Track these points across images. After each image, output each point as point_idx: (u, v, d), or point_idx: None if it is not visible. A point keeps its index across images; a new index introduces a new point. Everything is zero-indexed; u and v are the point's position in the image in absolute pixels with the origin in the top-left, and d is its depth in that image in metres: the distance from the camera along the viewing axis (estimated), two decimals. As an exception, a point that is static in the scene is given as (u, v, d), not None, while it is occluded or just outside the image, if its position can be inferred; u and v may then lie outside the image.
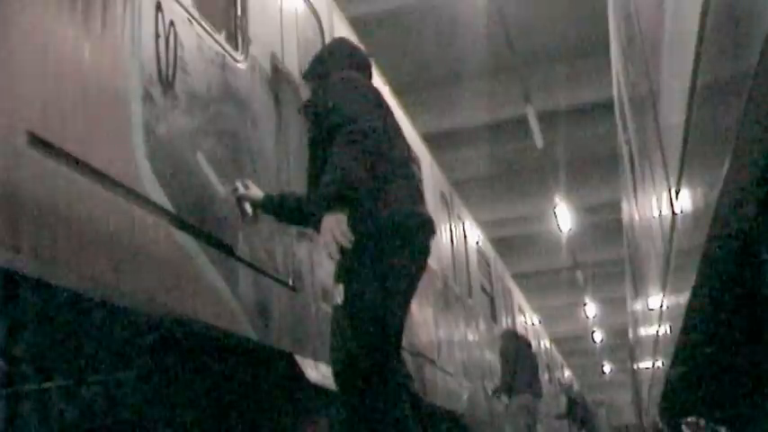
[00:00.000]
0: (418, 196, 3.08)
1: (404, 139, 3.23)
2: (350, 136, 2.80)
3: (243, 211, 3.43)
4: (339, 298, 2.88)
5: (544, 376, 16.01)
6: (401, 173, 3.03)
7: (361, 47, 3.60)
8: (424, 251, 3.06)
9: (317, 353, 4.00)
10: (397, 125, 3.21)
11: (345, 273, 2.88)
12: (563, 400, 18.19)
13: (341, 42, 3.54)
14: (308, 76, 3.42)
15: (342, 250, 2.75)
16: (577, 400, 18.72)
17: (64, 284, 2.26)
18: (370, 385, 2.81)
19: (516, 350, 8.68)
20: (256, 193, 3.43)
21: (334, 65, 3.28)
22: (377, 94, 3.14)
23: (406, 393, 2.90)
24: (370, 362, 2.81)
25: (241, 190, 3.39)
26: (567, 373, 26.70)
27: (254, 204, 3.45)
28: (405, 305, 3.00)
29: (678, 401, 5.56)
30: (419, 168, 3.29)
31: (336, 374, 2.89)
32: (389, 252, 2.89)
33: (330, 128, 2.91)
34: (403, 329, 3.02)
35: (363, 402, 2.83)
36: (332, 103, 2.96)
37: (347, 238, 2.72)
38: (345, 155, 2.77)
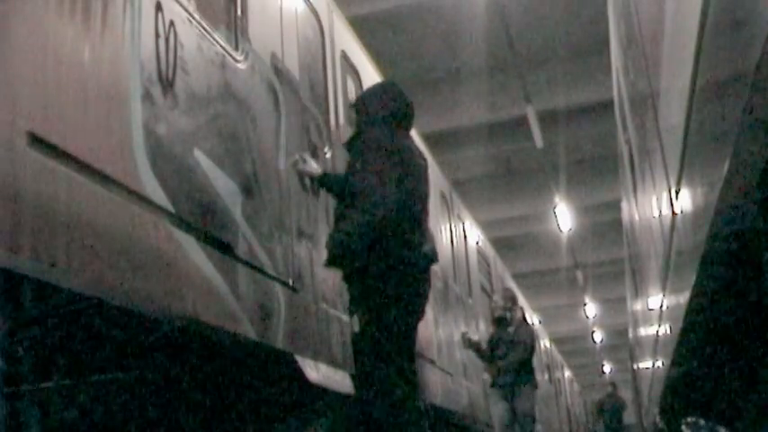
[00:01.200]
0: (420, 238, 3.55)
1: (422, 181, 3.68)
2: (364, 206, 3.35)
3: (303, 184, 3.93)
4: (356, 327, 3.42)
5: (544, 375, 16.00)
6: (407, 223, 3.49)
7: (406, 96, 3.85)
8: (422, 283, 3.59)
9: (317, 353, 4.00)
10: (417, 173, 3.62)
11: (359, 305, 3.45)
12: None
13: (387, 90, 3.85)
14: (356, 107, 3.85)
15: (354, 283, 3.45)
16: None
17: (64, 284, 2.26)
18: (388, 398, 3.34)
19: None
20: (314, 167, 3.92)
21: (375, 113, 3.70)
22: (401, 152, 3.54)
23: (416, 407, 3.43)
24: (386, 373, 3.36)
25: (300, 164, 3.88)
26: (567, 373, 26.69)
27: (312, 178, 3.93)
28: (413, 327, 3.57)
29: (678, 401, 5.56)
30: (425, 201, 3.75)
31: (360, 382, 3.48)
32: (398, 286, 3.43)
33: (351, 188, 3.47)
34: (414, 345, 3.58)
35: (380, 410, 3.35)
36: (359, 164, 3.48)
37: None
38: (355, 223, 3.35)
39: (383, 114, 3.68)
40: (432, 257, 3.62)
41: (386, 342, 3.38)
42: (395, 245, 3.42)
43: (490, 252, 12.02)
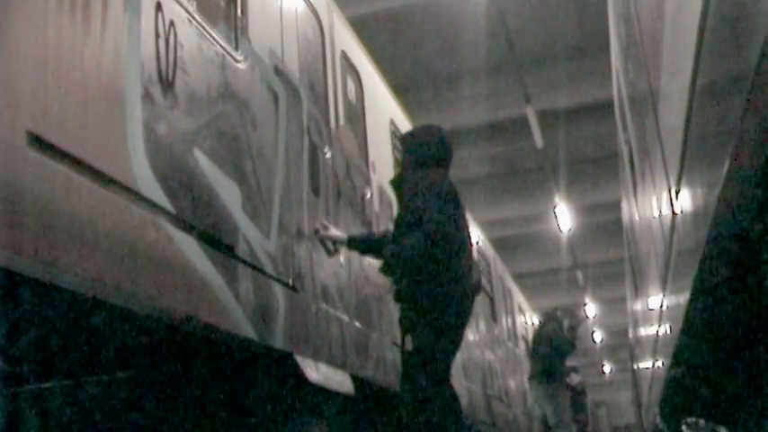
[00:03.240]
0: (468, 270, 3.98)
1: (466, 221, 4.16)
2: (427, 229, 3.74)
3: (326, 248, 4.34)
4: (409, 345, 3.84)
5: None
6: (459, 253, 3.90)
7: (448, 139, 4.32)
8: (469, 311, 4.05)
9: (317, 353, 4.00)
10: (463, 213, 4.10)
11: (412, 326, 3.86)
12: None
13: (432, 136, 4.27)
14: (401, 144, 4.34)
15: (410, 306, 3.87)
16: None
17: (64, 284, 2.26)
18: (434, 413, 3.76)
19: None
20: (335, 233, 4.41)
21: (421, 158, 4.15)
22: (450, 190, 3.96)
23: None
24: (435, 390, 3.77)
25: (322, 231, 4.29)
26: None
27: (334, 241, 4.41)
28: (455, 350, 4.00)
29: (678, 401, 5.56)
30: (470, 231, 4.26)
31: (406, 405, 3.82)
32: (446, 313, 3.84)
33: (414, 214, 3.86)
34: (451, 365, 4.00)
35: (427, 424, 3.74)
36: (419, 200, 3.86)
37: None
38: (418, 243, 3.75)
39: (433, 157, 4.15)
40: (479, 288, 4.14)
41: (437, 363, 3.82)
42: (450, 273, 3.83)
43: (490, 252, 12.02)
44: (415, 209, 3.86)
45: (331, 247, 4.40)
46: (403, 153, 4.30)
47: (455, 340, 3.95)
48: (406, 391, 3.88)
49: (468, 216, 9.92)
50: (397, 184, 4.22)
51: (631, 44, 3.68)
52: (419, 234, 3.75)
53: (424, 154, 4.15)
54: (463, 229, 4.03)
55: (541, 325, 8.90)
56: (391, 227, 4.83)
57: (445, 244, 3.76)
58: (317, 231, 4.25)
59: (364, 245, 4.41)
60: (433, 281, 3.81)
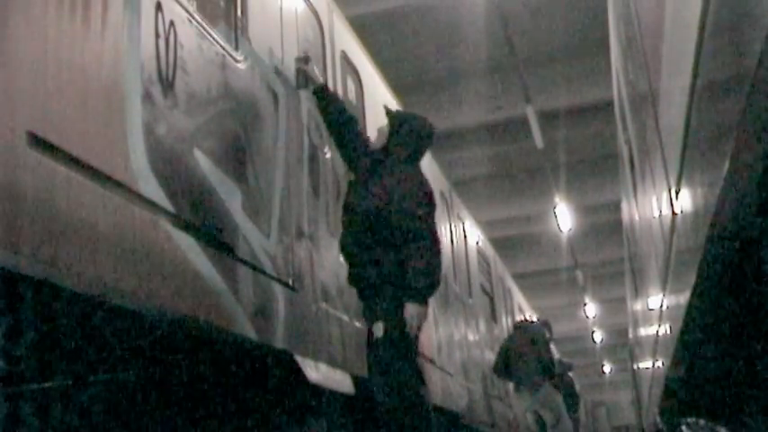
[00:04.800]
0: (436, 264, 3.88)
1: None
2: (421, 246, 3.74)
3: (298, 82, 4.15)
4: (379, 333, 3.75)
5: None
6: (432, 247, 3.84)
7: (426, 120, 4.19)
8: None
9: (316, 353, 4.00)
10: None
11: (386, 316, 3.76)
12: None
13: (425, 128, 4.16)
14: (391, 126, 4.13)
15: (381, 298, 3.79)
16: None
17: (64, 284, 2.26)
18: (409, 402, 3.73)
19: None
20: (316, 74, 4.22)
21: (413, 152, 4.06)
22: (428, 187, 3.97)
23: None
24: (406, 376, 3.76)
25: (303, 64, 4.18)
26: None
27: (311, 83, 4.18)
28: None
29: (678, 401, 5.56)
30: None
31: (380, 391, 3.75)
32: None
33: (397, 220, 3.79)
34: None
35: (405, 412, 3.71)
36: (397, 197, 3.81)
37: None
38: (427, 264, 3.75)
39: (415, 148, 4.07)
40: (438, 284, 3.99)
41: (406, 347, 3.81)
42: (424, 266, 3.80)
43: (490, 252, 12.02)
44: (396, 216, 3.79)
45: (302, 82, 4.20)
46: (392, 136, 4.07)
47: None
48: (373, 378, 3.83)
49: (467, 216, 9.90)
50: (375, 157, 4.05)
51: (631, 44, 3.68)
52: (419, 253, 3.75)
53: (416, 149, 4.08)
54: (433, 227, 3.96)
55: (525, 332, 8.79)
56: None
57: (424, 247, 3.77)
58: (298, 60, 4.20)
59: (333, 111, 4.15)
60: (414, 278, 3.78)
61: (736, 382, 3.58)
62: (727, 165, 1.47)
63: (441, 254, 3.89)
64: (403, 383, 3.74)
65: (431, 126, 4.20)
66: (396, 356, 3.74)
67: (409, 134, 4.09)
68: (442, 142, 11.45)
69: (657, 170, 3.01)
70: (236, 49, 3.60)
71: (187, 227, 2.90)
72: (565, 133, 12.22)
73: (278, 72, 4.05)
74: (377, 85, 6.27)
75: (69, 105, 2.32)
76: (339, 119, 4.14)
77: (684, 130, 1.98)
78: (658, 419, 8.30)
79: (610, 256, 18.23)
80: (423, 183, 3.98)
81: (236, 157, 3.43)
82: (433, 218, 3.93)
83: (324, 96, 4.16)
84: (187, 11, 3.14)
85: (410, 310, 3.73)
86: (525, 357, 8.35)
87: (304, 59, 4.21)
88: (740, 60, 1.28)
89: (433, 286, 3.83)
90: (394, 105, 6.78)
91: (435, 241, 3.86)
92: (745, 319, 2.58)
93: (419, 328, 3.81)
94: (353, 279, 3.94)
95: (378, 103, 6.17)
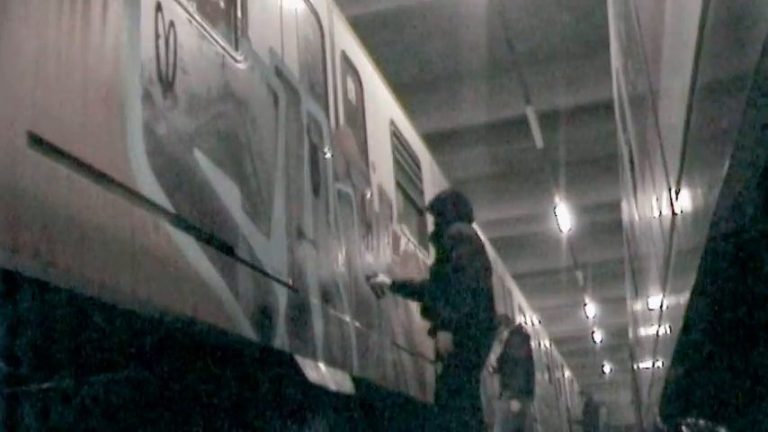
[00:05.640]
0: (491, 306, 4.99)
1: (489, 263, 5.18)
2: (461, 283, 4.78)
3: (375, 293, 5.18)
4: (440, 370, 4.89)
5: (542, 375, 16.02)
6: (482, 291, 4.89)
7: (465, 197, 5.48)
8: (489, 344, 5.08)
9: (316, 353, 4.00)
10: (487, 256, 5.18)
11: (445, 354, 4.78)
12: (580, 402, 18.28)
13: (455, 197, 5.44)
14: (430, 210, 5.50)
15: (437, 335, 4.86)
16: (592, 401, 18.91)
17: (64, 284, 2.26)
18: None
19: (525, 351, 8.87)
20: (382, 279, 5.24)
21: (450, 215, 5.20)
22: (476, 238, 5.06)
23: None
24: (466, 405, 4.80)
25: (372, 279, 5.15)
26: (567, 373, 26.68)
27: (383, 288, 5.23)
28: (479, 372, 5.04)
29: (678, 401, 5.56)
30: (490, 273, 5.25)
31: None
32: (470, 343, 4.82)
33: (451, 265, 4.87)
34: (479, 387, 5.04)
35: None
36: (450, 249, 4.91)
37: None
38: (458, 300, 4.75)
39: (459, 214, 5.19)
40: (496, 325, 5.18)
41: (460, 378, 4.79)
42: (473, 318, 4.77)
43: (490, 252, 12.01)
44: (457, 259, 4.82)
45: (379, 291, 5.23)
46: (434, 217, 5.33)
47: (477, 362, 4.95)
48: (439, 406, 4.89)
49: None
50: (433, 238, 5.29)
51: (631, 44, 3.68)
52: (456, 290, 4.75)
53: (449, 211, 5.18)
54: (487, 270, 5.05)
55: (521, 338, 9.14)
56: (391, 231, 5.66)
57: (474, 297, 4.75)
58: (367, 278, 5.13)
59: (406, 290, 5.35)
60: (467, 323, 4.77)
61: (736, 382, 3.57)
62: (727, 165, 1.47)
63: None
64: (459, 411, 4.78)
65: (458, 192, 5.51)
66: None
67: (440, 205, 5.37)
68: (442, 142, 11.45)
69: (657, 170, 3.01)
70: (236, 49, 3.59)
71: (187, 227, 2.90)
72: (565, 133, 12.22)
73: (278, 72, 4.05)
74: (377, 85, 6.27)
75: (69, 105, 2.32)
76: (414, 290, 5.34)
77: (684, 130, 1.98)
78: (658, 419, 8.30)
79: (610, 256, 18.23)
80: (463, 232, 5.12)
81: (236, 157, 3.43)
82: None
83: (398, 289, 5.33)
84: (187, 11, 3.14)
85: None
86: (519, 364, 8.53)
87: (372, 276, 5.19)
88: (740, 60, 1.28)
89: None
90: (394, 105, 6.78)
91: None
92: (745, 319, 2.58)
93: None
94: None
95: (378, 103, 6.17)
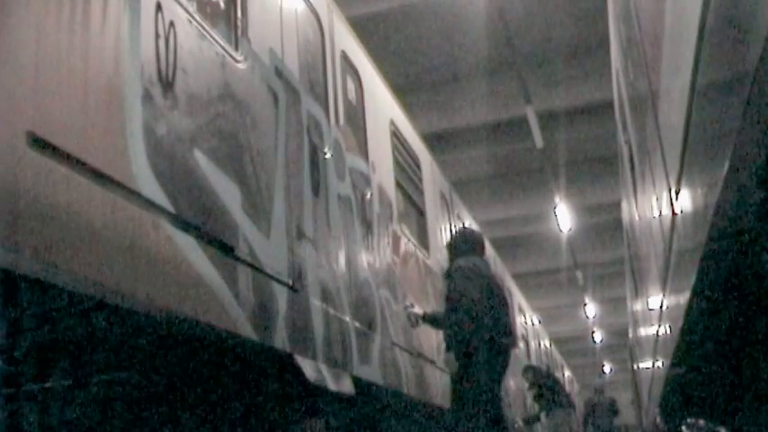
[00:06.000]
0: (504, 330, 5.39)
1: (500, 294, 5.53)
2: (455, 312, 5.17)
3: (411, 322, 5.92)
4: (454, 370, 5.24)
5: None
6: (493, 316, 5.25)
7: (477, 233, 6.09)
8: (505, 361, 5.45)
9: (316, 353, 4.00)
10: (497, 285, 5.58)
11: (461, 365, 5.20)
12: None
13: (466, 233, 6.04)
14: (447, 250, 5.96)
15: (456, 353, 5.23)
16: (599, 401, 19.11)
17: (64, 284, 2.26)
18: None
19: (551, 380, 11.13)
20: (418, 311, 6.01)
21: (459, 250, 5.63)
22: (480, 271, 5.38)
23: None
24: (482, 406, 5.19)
25: (409, 309, 5.96)
26: (567, 373, 26.67)
27: (417, 318, 5.95)
28: (497, 384, 5.41)
29: (678, 401, 5.56)
30: (503, 298, 5.62)
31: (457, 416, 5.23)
32: (486, 361, 5.21)
33: (449, 295, 5.34)
34: (499, 400, 5.47)
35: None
36: (453, 282, 5.31)
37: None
38: (454, 321, 5.19)
39: (469, 249, 5.61)
40: (509, 345, 5.47)
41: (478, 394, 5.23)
42: (484, 341, 5.14)
43: (490, 252, 12.02)
44: (454, 290, 5.25)
45: (413, 320, 5.93)
46: (448, 254, 5.82)
47: (494, 380, 5.32)
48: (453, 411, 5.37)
49: (467, 216, 9.96)
50: (447, 274, 5.64)
51: (631, 44, 3.68)
52: (455, 317, 5.15)
53: (459, 247, 5.67)
54: (496, 297, 5.37)
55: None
56: (391, 231, 5.85)
57: (475, 312, 5.10)
58: (405, 308, 5.91)
59: (430, 320, 5.92)
60: (478, 337, 5.14)
61: (736, 382, 3.57)
62: (727, 165, 1.47)
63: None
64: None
65: (471, 230, 6.26)
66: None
67: (453, 241, 5.89)
68: (442, 142, 11.46)
69: (657, 170, 3.01)
70: (236, 49, 3.59)
71: (187, 227, 2.90)
72: (565, 133, 12.22)
73: (278, 72, 4.05)
74: (377, 85, 6.27)
75: (69, 105, 2.32)
76: (435, 320, 5.83)
77: (684, 130, 1.98)
78: (658, 419, 8.30)
79: (610, 256, 18.24)
80: (468, 266, 5.47)
81: (236, 157, 3.42)
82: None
83: (425, 319, 5.93)
84: (187, 11, 3.14)
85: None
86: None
87: (409, 307, 5.99)
88: (740, 60, 1.28)
89: None
90: (394, 105, 6.78)
91: None
92: (745, 319, 2.58)
93: None
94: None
95: (378, 103, 6.17)
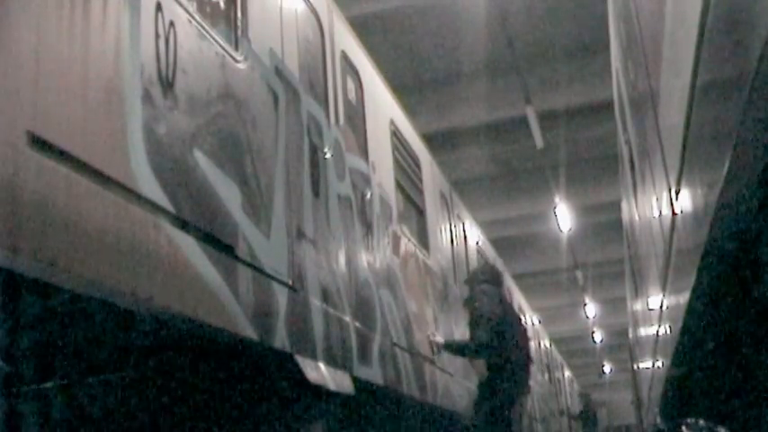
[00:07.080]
0: (523, 350, 6.19)
1: (516, 316, 6.53)
2: (484, 322, 5.85)
3: (432, 350, 6.49)
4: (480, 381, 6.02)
5: (543, 376, 16.03)
6: (510, 336, 5.96)
7: (494, 267, 7.05)
8: (526, 376, 6.23)
9: (316, 353, 4.00)
10: (513, 310, 6.53)
11: (486, 380, 5.95)
12: (580, 400, 18.65)
13: (485, 267, 7.01)
14: (468, 283, 6.62)
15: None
16: (590, 399, 19.23)
17: (64, 284, 2.26)
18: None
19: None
20: (439, 339, 6.62)
21: (478, 281, 6.31)
22: (500, 296, 6.26)
23: None
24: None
25: (432, 337, 6.55)
26: (567, 373, 26.68)
27: (439, 346, 6.53)
28: (515, 404, 6.02)
29: (678, 401, 5.56)
30: (520, 320, 6.53)
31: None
32: (504, 379, 5.92)
33: (473, 317, 6.01)
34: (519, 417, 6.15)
35: None
36: (476, 306, 6.01)
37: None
38: (476, 339, 5.87)
39: (487, 278, 6.29)
40: (529, 362, 6.25)
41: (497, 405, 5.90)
42: (504, 364, 5.84)
43: (490, 252, 12.02)
44: (478, 310, 5.87)
45: (435, 349, 6.50)
46: (468, 286, 6.49)
47: (513, 395, 5.95)
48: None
49: (467, 216, 10.03)
50: (468, 300, 6.29)
51: (631, 44, 3.68)
52: (483, 334, 5.79)
53: (477, 278, 6.34)
54: (512, 323, 6.09)
55: None
56: (391, 231, 5.99)
57: (496, 331, 5.80)
58: (429, 336, 6.52)
59: (452, 348, 6.44)
60: (497, 357, 5.81)
61: (736, 382, 3.57)
62: (727, 165, 1.47)
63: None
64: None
65: (491, 264, 7.28)
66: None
67: (474, 273, 6.69)
68: (442, 142, 11.45)
69: (657, 170, 3.01)
70: (236, 49, 3.59)
71: (187, 227, 2.90)
72: (565, 133, 12.22)
73: (278, 72, 4.05)
74: (377, 85, 6.27)
75: (69, 105, 2.32)
76: (458, 346, 6.37)
77: (684, 130, 1.98)
78: (658, 419, 8.30)
79: (610, 256, 18.23)
80: (487, 293, 6.19)
81: (236, 157, 3.43)
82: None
83: (447, 346, 6.47)
84: (187, 11, 3.14)
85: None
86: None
87: (431, 335, 6.61)
88: (740, 60, 1.28)
89: None
90: (394, 105, 6.78)
91: None
92: (745, 319, 2.58)
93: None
94: None
95: (378, 103, 6.17)
